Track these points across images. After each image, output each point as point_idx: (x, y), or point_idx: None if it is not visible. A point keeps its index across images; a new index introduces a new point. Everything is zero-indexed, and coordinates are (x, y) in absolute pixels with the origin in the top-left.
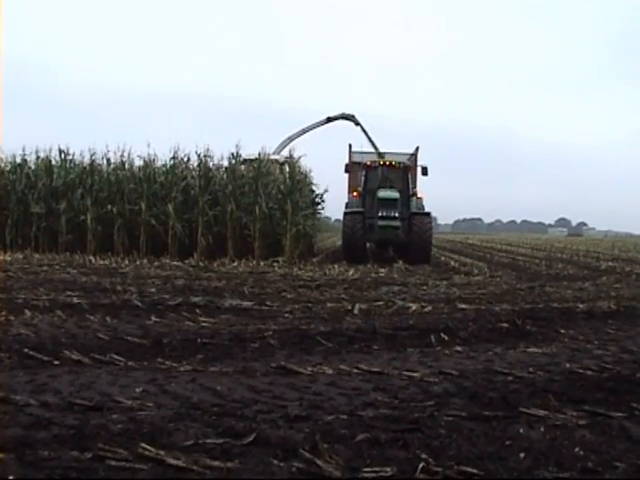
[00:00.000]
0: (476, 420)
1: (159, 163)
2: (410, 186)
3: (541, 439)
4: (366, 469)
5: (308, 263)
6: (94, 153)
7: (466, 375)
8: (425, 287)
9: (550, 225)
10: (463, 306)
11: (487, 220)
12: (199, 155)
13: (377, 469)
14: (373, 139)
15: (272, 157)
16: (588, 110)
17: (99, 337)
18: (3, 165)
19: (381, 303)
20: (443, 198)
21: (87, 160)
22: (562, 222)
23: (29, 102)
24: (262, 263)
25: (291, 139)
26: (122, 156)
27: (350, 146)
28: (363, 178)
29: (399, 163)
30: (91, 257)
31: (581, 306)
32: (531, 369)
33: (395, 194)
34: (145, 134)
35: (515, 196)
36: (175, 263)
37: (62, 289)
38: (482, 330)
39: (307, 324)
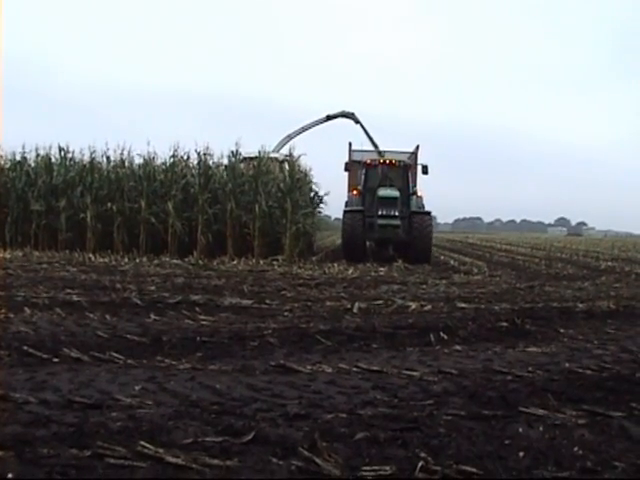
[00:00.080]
0: (475, 419)
1: (159, 161)
2: (410, 185)
3: (540, 438)
4: (365, 468)
5: (308, 262)
6: (94, 151)
7: (465, 374)
8: (425, 286)
9: (550, 225)
10: (462, 305)
11: (487, 219)
12: (199, 153)
13: (376, 468)
14: (373, 137)
15: (272, 155)
16: (588, 110)
17: (98, 335)
18: (3, 163)
19: (381, 302)
20: (443, 197)
21: (87, 158)
22: (562, 222)
23: (29, 100)
24: (262, 261)
25: (291, 137)
26: (122, 154)
27: (350, 144)
28: (363, 177)
29: (399, 162)
30: (91, 255)
31: (580, 306)
32: (530, 368)
33: (395, 193)
34: (145, 132)
35: (515, 195)
36: (175, 261)
37: (62, 287)
38: (481, 329)
39: (306, 322)
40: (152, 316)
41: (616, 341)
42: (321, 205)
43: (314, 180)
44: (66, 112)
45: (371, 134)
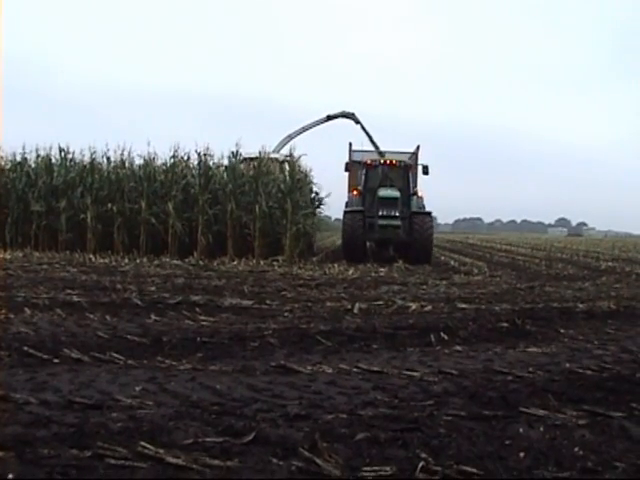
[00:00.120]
0: (476, 419)
1: (159, 162)
2: (411, 185)
3: (541, 439)
4: (366, 468)
5: (308, 262)
6: (94, 152)
7: (466, 374)
8: (425, 286)
9: (550, 225)
10: (463, 306)
11: (487, 220)
12: (199, 154)
13: (377, 468)
14: (373, 138)
15: (272, 156)
16: (588, 110)
17: (99, 335)
18: (3, 163)
19: (381, 302)
20: (443, 198)
21: (87, 159)
22: (562, 222)
23: (29, 101)
24: (262, 262)
25: (291, 137)
26: (122, 155)
27: (350, 145)
28: (363, 177)
29: (400, 162)
30: (91, 255)
31: (581, 306)
32: (531, 369)
33: (396, 193)
34: (145, 133)
35: (515, 196)
36: (175, 262)
37: (62, 287)
38: (482, 330)
39: (307, 323)
40: (152, 317)
41: (616, 341)
42: (321, 206)
43: (314, 180)
44: (66, 112)
45: (371, 134)
